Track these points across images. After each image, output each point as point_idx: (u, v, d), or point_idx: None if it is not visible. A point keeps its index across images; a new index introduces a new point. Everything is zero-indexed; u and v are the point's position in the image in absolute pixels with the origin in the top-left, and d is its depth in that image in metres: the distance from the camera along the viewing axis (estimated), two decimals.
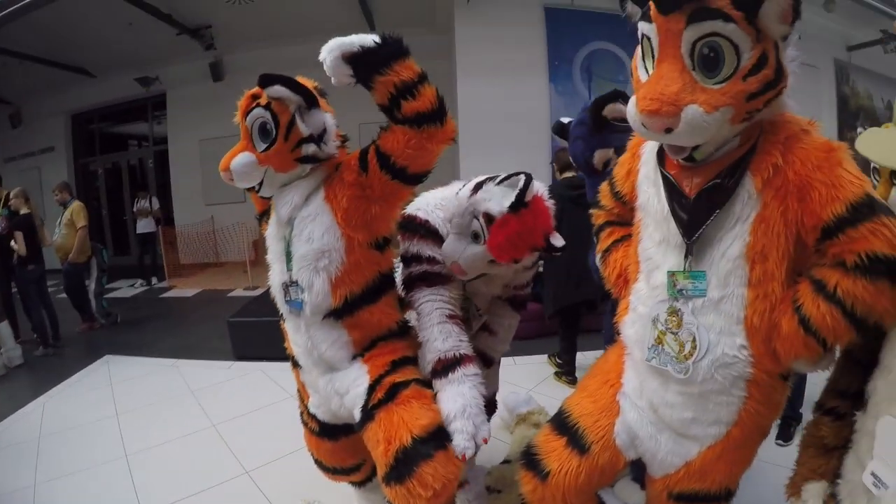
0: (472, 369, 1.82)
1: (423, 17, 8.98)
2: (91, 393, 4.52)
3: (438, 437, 1.64)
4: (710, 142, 1.23)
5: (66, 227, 6.20)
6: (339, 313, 1.78)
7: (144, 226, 9.41)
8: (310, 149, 1.71)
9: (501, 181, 1.77)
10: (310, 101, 1.69)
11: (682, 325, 1.36)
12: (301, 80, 1.71)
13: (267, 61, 9.47)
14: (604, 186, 1.76)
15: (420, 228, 1.95)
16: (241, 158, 1.68)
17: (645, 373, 1.50)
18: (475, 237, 1.77)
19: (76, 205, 6.29)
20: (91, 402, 4.31)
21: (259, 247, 8.83)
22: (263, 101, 1.67)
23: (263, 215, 2.02)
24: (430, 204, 2.01)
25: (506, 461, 2.73)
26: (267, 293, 2.01)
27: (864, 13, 9.15)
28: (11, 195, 5.90)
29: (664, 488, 1.56)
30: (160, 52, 10.03)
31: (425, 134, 1.56)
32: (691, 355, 1.34)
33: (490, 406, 2.46)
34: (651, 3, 1.17)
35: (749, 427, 1.40)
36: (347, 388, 1.84)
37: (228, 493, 2.87)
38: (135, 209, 9.63)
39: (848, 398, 1.30)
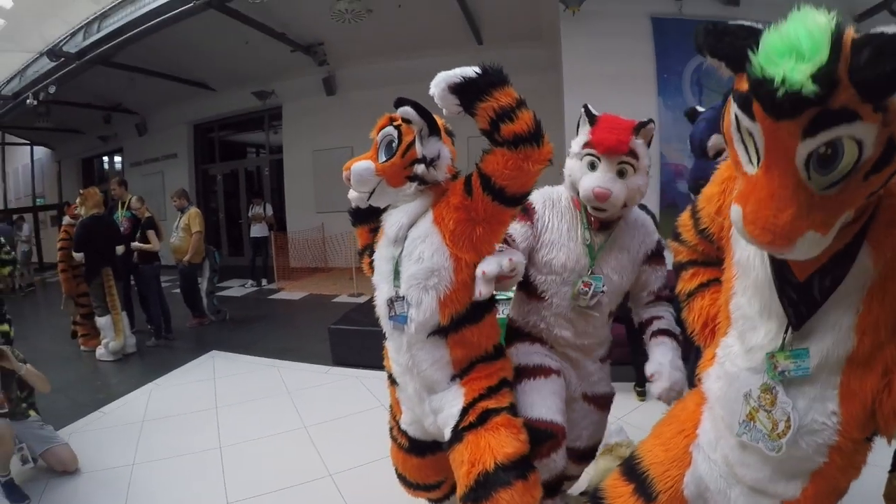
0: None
1: (530, 30, 8.94)
2: (194, 385, 4.79)
3: (521, 466, 1.70)
4: None
5: (182, 230, 6.63)
6: (445, 331, 1.84)
7: (258, 230, 9.85)
8: (419, 168, 1.82)
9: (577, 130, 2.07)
10: (432, 128, 1.83)
11: (776, 404, 1.28)
12: (435, 116, 1.86)
13: (377, 76, 9.87)
14: (685, 219, 1.70)
15: (526, 211, 2.09)
16: (362, 164, 1.82)
17: (724, 430, 1.43)
18: (592, 166, 1.95)
19: (193, 211, 6.73)
20: (194, 393, 4.57)
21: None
22: (397, 122, 1.83)
23: (365, 250, 2.17)
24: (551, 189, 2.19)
25: (584, 492, 2.61)
26: (368, 302, 2.08)
27: None
28: (133, 202, 6.45)
29: None
30: (276, 67, 10.59)
31: (522, 154, 1.61)
32: (784, 434, 1.26)
33: (591, 453, 2.42)
34: (755, 104, 0.97)
35: (825, 488, 1.33)
36: (442, 407, 1.89)
37: (310, 494, 2.94)
38: (250, 214, 10.11)
39: None
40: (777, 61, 0.89)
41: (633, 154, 1.90)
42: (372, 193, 1.86)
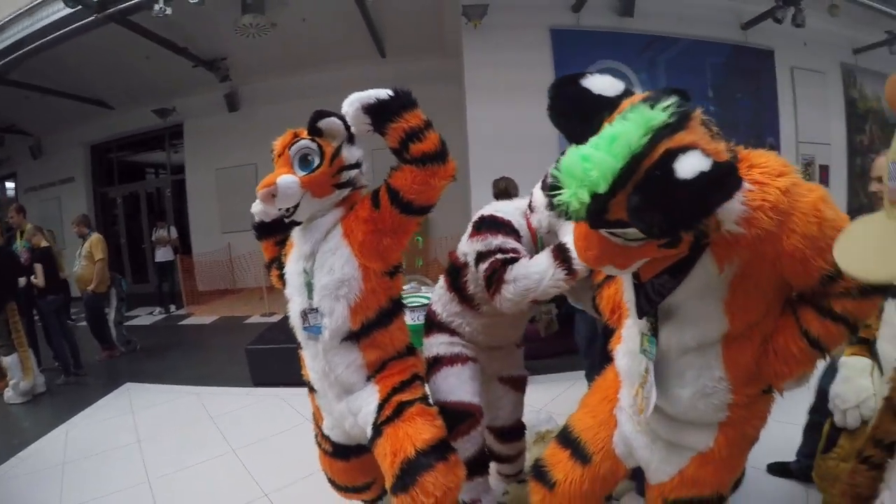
0: None
1: (432, 42, 9.13)
2: (113, 420, 4.59)
3: (440, 449, 1.81)
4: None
5: (85, 258, 6.32)
6: (356, 336, 1.93)
7: (163, 254, 9.51)
8: (351, 174, 1.94)
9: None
10: (351, 136, 1.93)
11: (647, 382, 1.50)
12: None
13: (281, 90, 9.75)
14: None
15: (503, 226, 2.08)
16: (286, 178, 1.83)
17: (630, 395, 1.63)
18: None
19: (95, 237, 6.41)
20: (113, 429, 4.38)
21: None
22: (305, 136, 1.89)
23: (272, 263, 2.24)
24: (510, 210, 2.17)
25: (521, 480, 2.76)
26: (283, 321, 2.12)
27: (868, 15, 9.18)
28: (26, 233, 6.05)
29: (660, 495, 1.67)
30: (177, 83, 10.26)
31: (429, 171, 1.76)
32: (643, 410, 1.50)
33: (516, 431, 2.60)
34: None
35: (735, 436, 1.53)
36: (360, 407, 1.97)
37: None
38: (153, 238, 9.75)
39: (884, 448, 1.39)
40: (567, 181, 1.10)
41: None
42: (296, 208, 1.89)
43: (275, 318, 7.58)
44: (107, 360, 6.58)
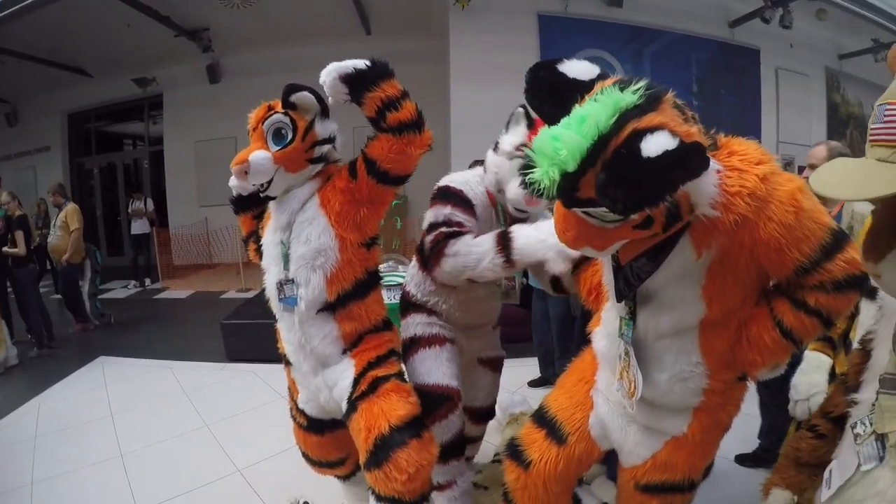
0: None
1: (419, 21, 9.05)
2: (86, 394, 4.56)
3: (413, 426, 1.83)
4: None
5: (60, 228, 6.23)
6: (332, 307, 1.94)
7: (139, 227, 9.41)
8: (323, 149, 1.95)
9: (507, 127, 2.05)
10: (325, 110, 1.93)
11: (630, 366, 1.51)
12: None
13: (263, 64, 9.62)
14: None
15: (454, 197, 2.09)
16: (259, 154, 1.84)
17: (613, 379, 1.62)
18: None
19: (70, 207, 6.31)
20: (86, 402, 4.35)
21: None
22: (279, 109, 1.88)
23: (250, 237, 2.24)
24: (465, 179, 2.16)
25: (496, 460, 2.81)
26: (259, 296, 2.11)
27: (855, 22, 9.27)
28: (3, 198, 5.93)
29: (632, 478, 1.70)
30: (158, 53, 10.07)
31: (405, 140, 1.77)
32: (633, 394, 1.50)
33: (489, 413, 2.64)
34: None
35: (709, 422, 1.56)
36: (336, 381, 1.99)
37: (221, 491, 2.93)
38: (130, 210, 9.64)
39: (830, 420, 1.39)
40: (539, 161, 1.14)
41: None
42: (269, 183, 1.89)
43: (251, 294, 7.54)
44: (80, 332, 6.51)
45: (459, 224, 2.02)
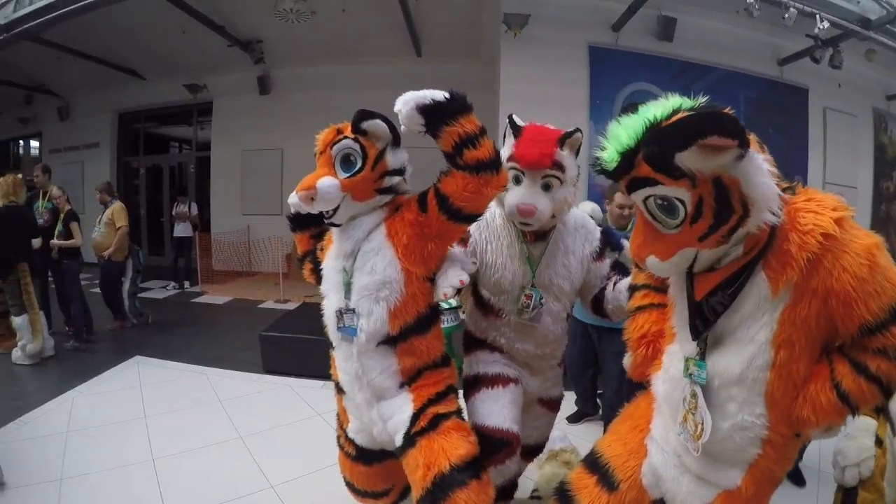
0: None
1: (469, 47, 9.14)
2: (120, 392, 4.60)
3: (473, 467, 1.80)
4: (701, 261, 1.38)
5: (105, 225, 6.36)
6: (394, 340, 1.91)
7: (182, 230, 9.56)
8: (393, 180, 1.92)
9: (503, 140, 2.09)
10: (396, 139, 1.89)
11: (697, 408, 1.50)
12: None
13: (314, 79, 9.79)
14: None
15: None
16: (327, 181, 1.81)
17: (671, 425, 1.62)
18: (517, 180, 2.02)
19: (117, 205, 6.45)
20: (119, 401, 4.39)
21: (291, 261, 8.89)
22: (349, 133, 1.86)
23: (305, 257, 2.24)
24: None
25: (533, 496, 2.77)
26: (299, 310, 2.12)
27: None
28: (54, 191, 6.10)
29: None
30: (210, 61, 10.29)
31: (482, 180, 1.72)
32: (700, 437, 1.49)
33: (538, 450, 2.62)
34: None
35: (762, 477, 1.53)
36: (392, 414, 1.95)
37: None
38: (174, 213, 9.79)
39: None
40: (605, 144, 1.36)
41: (558, 167, 1.96)
42: (335, 210, 1.87)
43: (290, 306, 7.57)
44: (118, 330, 6.62)
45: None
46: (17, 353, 5.27)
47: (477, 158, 1.69)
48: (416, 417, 1.90)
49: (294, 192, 2.04)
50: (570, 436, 3.25)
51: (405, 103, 1.67)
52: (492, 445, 2.04)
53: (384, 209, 1.95)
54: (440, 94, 1.69)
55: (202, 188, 11.82)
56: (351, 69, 9.32)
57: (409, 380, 1.97)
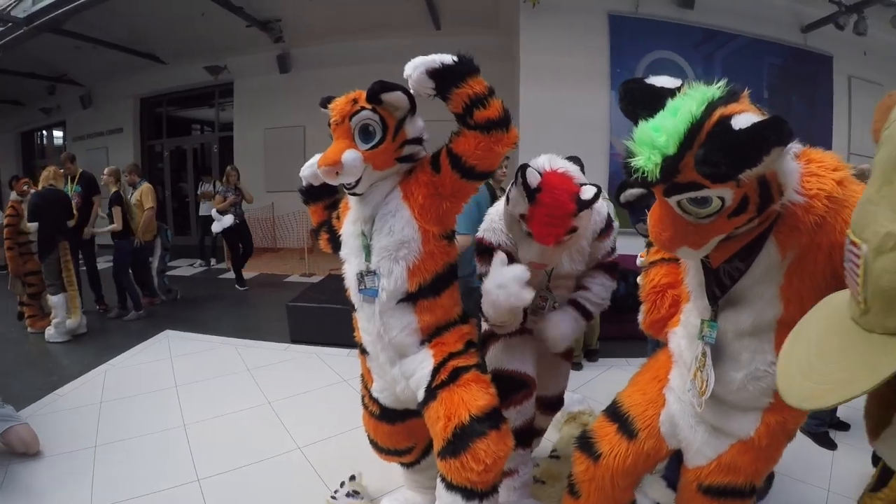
0: None
1: (488, 18, 9.04)
2: (151, 364, 4.75)
3: (493, 417, 1.83)
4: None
5: (134, 206, 6.49)
6: (413, 298, 1.96)
7: (207, 209, 9.58)
8: (413, 149, 1.95)
9: (513, 182, 1.95)
10: (414, 108, 1.91)
11: (705, 366, 1.56)
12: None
13: (333, 55, 9.79)
14: None
15: (488, 251, 2.15)
16: (351, 154, 1.82)
17: (687, 377, 1.67)
18: (530, 236, 1.94)
19: (145, 186, 6.59)
20: (151, 372, 4.53)
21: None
22: (364, 103, 1.86)
23: (321, 227, 2.30)
24: (494, 220, 2.21)
25: (553, 456, 2.83)
26: (324, 282, 2.16)
27: None
28: (105, 173, 6.28)
29: (695, 479, 1.72)
30: (230, 42, 10.33)
31: (493, 138, 1.76)
32: (704, 393, 1.56)
33: (558, 403, 2.67)
34: None
35: (776, 429, 1.58)
36: (413, 371, 2.00)
37: (281, 467, 3.02)
38: (198, 192, 9.90)
39: None
40: (639, 151, 1.27)
41: (572, 231, 1.95)
42: (359, 182, 1.89)
43: (314, 279, 7.67)
44: (147, 306, 6.75)
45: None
46: (50, 332, 5.45)
47: (487, 118, 1.73)
48: (436, 371, 1.94)
49: (306, 166, 2.11)
50: (590, 400, 3.29)
51: (415, 68, 1.70)
52: (511, 386, 2.18)
53: (398, 173, 1.99)
54: (448, 58, 1.72)
55: (226, 168, 11.85)
56: (370, 44, 9.29)
57: (429, 336, 2.02)
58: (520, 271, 1.86)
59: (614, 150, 7.05)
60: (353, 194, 1.98)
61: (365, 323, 2.06)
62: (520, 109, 7.16)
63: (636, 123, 1.35)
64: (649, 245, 1.98)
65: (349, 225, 2.06)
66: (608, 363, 4.44)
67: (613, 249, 2.37)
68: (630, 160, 1.28)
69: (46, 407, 3.88)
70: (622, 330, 4.25)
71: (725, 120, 1.17)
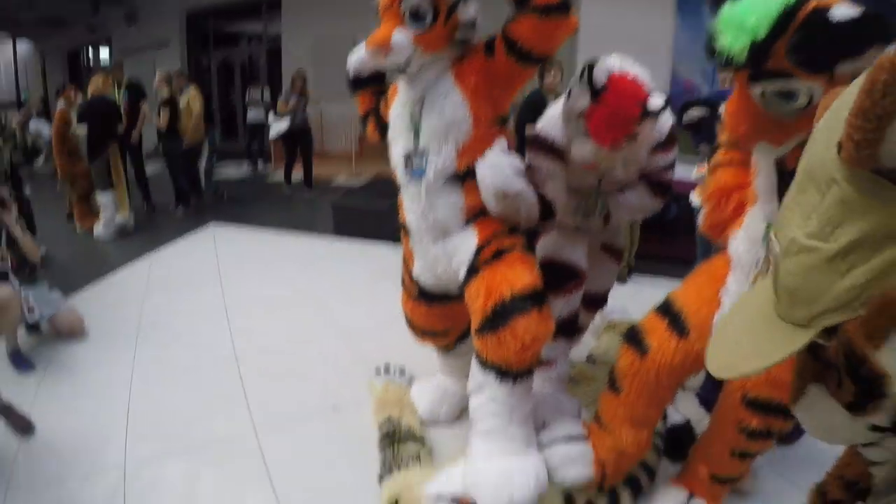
0: None
1: None
2: (196, 253, 4.92)
3: (536, 297, 1.79)
4: None
5: (182, 110, 6.47)
6: (461, 178, 1.92)
7: (255, 115, 9.56)
8: (467, 33, 1.86)
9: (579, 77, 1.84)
10: None
11: (768, 272, 1.42)
12: None
13: None
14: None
15: (544, 144, 2.08)
16: (400, 34, 1.77)
17: (745, 284, 1.58)
18: (587, 135, 1.85)
19: (192, 90, 6.58)
20: (196, 259, 4.70)
21: (364, 141, 8.86)
22: None
23: (368, 115, 2.26)
24: (554, 118, 2.09)
25: (589, 360, 2.80)
26: (370, 183, 2.11)
27: None
28: (157, 78, 6.30)
29: (741, 390, 1.65)
30: None
31: (553, 23, 1.72)
32: None
33: (601, 301, 2.63)
34: None
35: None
36: (457, 249, 1.97)
37: (325, 348, 3.11)
38: (246, 99, 9.78)
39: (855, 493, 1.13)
40: (726, 31, 1.18)
41: (632, 137, 1.87)
42: (408, 62, 1.84)
43: (361, 181, 7.64)
44: (196, 203, 6.83)
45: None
46: (98, 229, 5.58)
47: (546, 1, 1.68)
48: (480, 249, 1.91)
49: (354, 54, 2.09)
50: (631, 312, 3.23)
51: None
52: (563, 276, 2.15)
53: (450, 56, 1.93)
54: None
55: (273, 78, 11.69)
56: None
57: (474, 217, 1.98)
58: (517, 160, 1.87)
59: (677, 76, 6.76)
60: (402, 72, 1.93)
61: (409, 202, 2.04)
62: (580, 31, 6.87)
63: (719, 6, 1.25)
64: (716, 148, 1.89)
65: (398, 107, 2.02)
66: (654, 282, 4.32)
67: (668, 168, 2.26)
68: (714, 42, 1.20)
69: (95, 293, 4.01)
70: (670, 250, 4.29)
71: (822, 10, 1.08)
